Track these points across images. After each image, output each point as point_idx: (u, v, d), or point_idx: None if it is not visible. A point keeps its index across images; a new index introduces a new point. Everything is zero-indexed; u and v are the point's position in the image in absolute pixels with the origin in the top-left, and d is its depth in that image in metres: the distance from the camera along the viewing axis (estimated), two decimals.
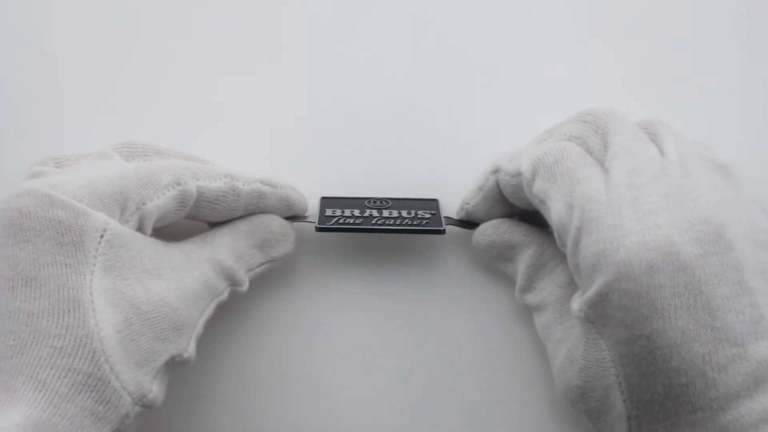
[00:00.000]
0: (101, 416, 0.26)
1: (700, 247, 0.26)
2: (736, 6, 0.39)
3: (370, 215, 0.35)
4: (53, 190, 0.27)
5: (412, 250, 0.37)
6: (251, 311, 0.36)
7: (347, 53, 0.39)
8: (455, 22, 0.39)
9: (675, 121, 0.32)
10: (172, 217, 0.31)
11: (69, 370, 0.25)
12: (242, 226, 0.34)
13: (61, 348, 0.25)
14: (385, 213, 0.35)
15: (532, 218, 0.35)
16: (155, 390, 0.28)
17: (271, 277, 0.35)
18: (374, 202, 0.36)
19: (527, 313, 0.35)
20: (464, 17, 0.39)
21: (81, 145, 0.34)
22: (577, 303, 0.28)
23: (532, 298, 0.33)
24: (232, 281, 0.33)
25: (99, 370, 0.26)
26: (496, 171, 0.33)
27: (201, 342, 0.31)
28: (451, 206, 0.36)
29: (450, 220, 0.36)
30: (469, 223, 0.36)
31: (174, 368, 0.30)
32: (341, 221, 0.35)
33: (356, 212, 0.35)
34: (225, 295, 0.33)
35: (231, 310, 0.34)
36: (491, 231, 0.35)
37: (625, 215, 0.27)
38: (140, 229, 0.30)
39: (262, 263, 0.34)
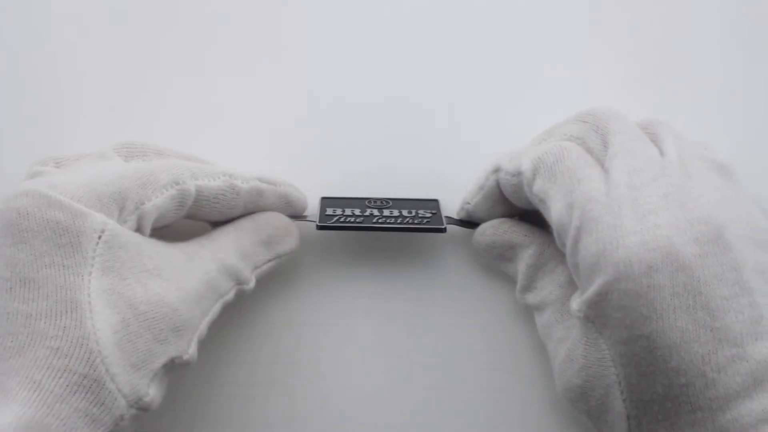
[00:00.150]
0: (95, 418, 0.26)
1: (699, 248, 0.26)
2: (736, 6, 0.39)
3: (371, 214, 0.35)
4: (51, 190, 0.27)
5: (412, 250, 0.37)
6: (251, 312, 0.36)
7: (347, 53, 0.39)
8: (455, 22, 0.39)
9: (675, 121, 0.32)
10: (172, 217, 0.31)
11: (64, 370, 0.25)
12: (246, 223, 0.33)
13: (58, 349, 0.25)
14: (386, 212, 0.35)
15: (532, 218, 0.35)
16: (152, 393, 0.28)
17: (271, 276, 0.35)
18: (374, 202, 0.36)
19: (527, 313, 0.35)
20: (464, 17, 0.39)
21: (81, 145, 0.34)
22: (576, 303, 0.28)
23: (532, 298, 0.33)
24: (238, 280, 0.32)
25: (94, 371, 0.26)
26: (497, 170, 0.33)
27: (201, 342, 0.31)
28: (451, 206, 0.36)
29: (450, 220, 0.36)
30: (469, 222, 0.36)
31: (174, 370, 0.30)
32: (342, 220, 0.35)
33: (357, 211, 0.35)
34: (231, 295, 0.32)
35: (231, 310, 0.34)
36: (491, 231, 0.35)
37: (624, 215, 0.27)
38: (139, 229, 0.30)
39: (269, 260, 0.34)
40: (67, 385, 0.25)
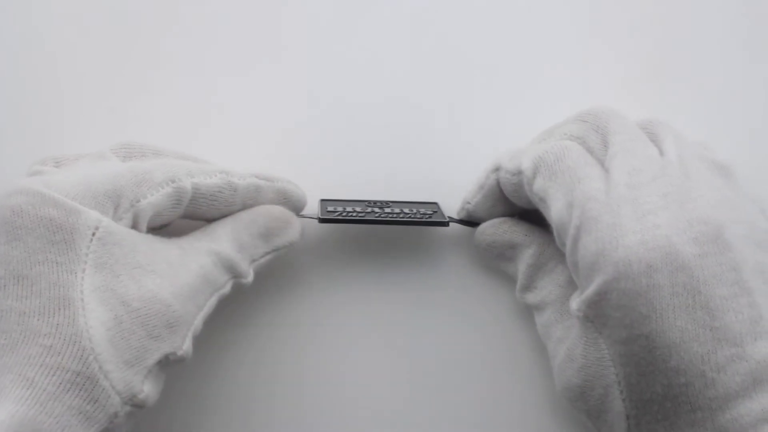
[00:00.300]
0: (89, 415, 0.26)
1: (698, 248, 0.26)
2: (736, 6, 0.39)
3: (372, 211, 0.35)
4: (46, 188, 0.27)
5: (412, 250, 0.37)
6: (249, 309, 0.36)
7: (347, 53, 0.39)
8: (455, 22, 0.39)
9: (675, 121, 0.32)
10: (168, 215, 0.31)
11: (57, 368, 0.25)
12: (244, 215, 0.33)
13: (51, 346, 0.25)
14: (387, 210, 0.35)
15: (532, 217, 0.35)
16: (146, 390, 0.28)
17: (270, 275, 0.35)
18: (375, 203, 0.36)
19: (527, 312, 0.35)
20: (464, 17, 0.39)
21: (81, 145, 0.34)
22: (576, 302, 0.28)
23: (532, 298, 0.33)
24: (234, 273, 0.32)
25: (87, 368, 0.26)
26: (497, 169, 0.33)
27: (199, 340, 0.31)
28: (451, 207, 0.36)
29: (451, 220, 0.36)
30: (470, 222, 0.36)
31: (169, 367, 0.30)
32: (344, 214, 0.34)
33: (358, 208, 0.35)
34: (227, 288, 0.32)
35: (229, 308, 0.34)
36: (492, 231, 0.35)
37: (624, 215, 0.27)
38: (135, 226, 0.30)
39: (267, 253, 0.34)
40: (60, 383, 0.25)
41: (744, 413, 0.25)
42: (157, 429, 0.35)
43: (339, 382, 0.36)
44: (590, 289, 0.27)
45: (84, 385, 0.26)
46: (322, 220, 0.34)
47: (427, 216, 0.35)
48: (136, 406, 0.27)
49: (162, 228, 0.32)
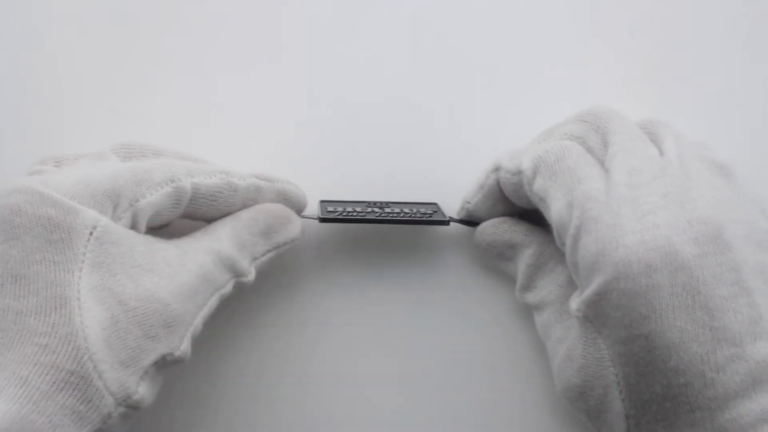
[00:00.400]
0: (82, 415, 0.25)
1: (698, 248, 0.26)
2: (736, 6, 0.39)
3: (372, 211, 0.35)
4: (44, 187, 0.27)
5: (412, 251, 0.37)
6: (249, 309, 0.36)
7: (347, 53, 0.39)
8: (455, 22, 0.39)
9: (675, 121, 0.32)
10: (168, 215, 0.31)
11: (52, 367, 0.25)
12: (244, 214, 0.33)
13: (46, 345, 0.25)
14: (387, 210, 0.35)
15: (532, 217, 0.35)
16: (142, 391, 0.27)
17: (270, 275, 0.35)
18: (375, 204, 0.36)
19: (527, 312, 0.35)
20: (464, 17, 0.39)
21: (81, 145, 0.34)
22: (575, 302, 0.28)
23: (532, 297, 0.33)
24: (235, 272, 0.32)
25: (82, 368, 0.26)
26: (497, 169, 0.33)
27: (200, 340, 0.31)
28: (451, 207, 0.36)
29: (451, 220, 0.36)
30: (470, 222, 0.36)
31: (167, 368, 0.29)
32: (344, 214, 0.34)
33: (358, 209, 0.35)
34: (228, 288, 0.32)
35: (230, 308, 0.34)
36: (492, 230, 0.35)
37: (624, 215, 0.27)
38: (134, 226, 0.30)
39: (268, 251, 0.33)
40: (54, 382, 0.25)
41: (743, 413, 0.25)
42: (157, 429, 0.35)
43: (339, 382, 0.36)
44: (590, 289, 0.27)
45: (78, 384, 0.25)
46: (323, 220, 0.34)
47: (428, 216, 0.35)
48: (131, 407, 0.27)
49: (162, 228, 0.32)
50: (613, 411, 0.28)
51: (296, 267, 0.36)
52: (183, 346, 0.29)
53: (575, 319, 0.29)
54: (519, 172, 0.32)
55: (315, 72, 0.39)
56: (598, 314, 0.27)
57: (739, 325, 0.25)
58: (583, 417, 0.30)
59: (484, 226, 0.35)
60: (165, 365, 0.29)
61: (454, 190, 0.36)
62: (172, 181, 0.30)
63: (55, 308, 0.26)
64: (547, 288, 0.33)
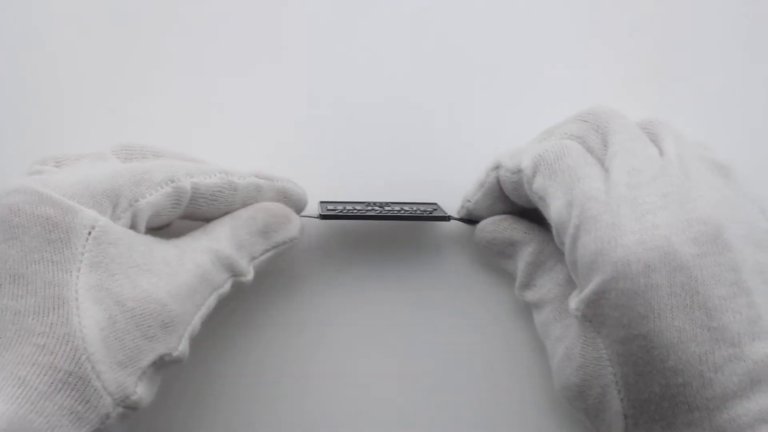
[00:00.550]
0: (80, 416, 0.26)
1: (697, 248, 0.26)
2: (736, 6, 0.39)
3: (373, 209, 0.35)
4: (43, 186, 0.27)
5: (412, 249, 0.37)
6: (248, 309, 0.36)
7: (347, 53, 0.39)
8: (455, 22, 0.39)
9: (675, 121, 0.32)
10: (168, 215, 0.31)
11: (49, 367, 0.25)
12: (242, 213, 0.33)
13: (44, 346, 0.25)
14: (387, 207, 0.35)
15: (531, 216, 0.35)
16: (140, 391, 0.27)
17: (269, 274, 0.35)
18: (375, 204, 0.36)
19: (527, 311, 0.35)
20: (464, 17, 0.39)
21: (81, 145, 0.34)
22: (574, 301, 0.28)
23: (531, 296, 0.33)
24: (233, 271, 0.32)
25: (80, 368, 0.26)
26: (497, 167, 0.33)
27: (198, 339, 0.31)
28: (451, 208, 0.36)
29: (452, 218, 0.36)
30: (470, 220, 0.36)
31: (165, 368, 0.29)
32: (344, 211, 0.34)
33: (358, 207, 0.35)
34: (226, 288, 0.32)
35: (229, 307, 0.34)
36: (492, 228, 0.35)
37: (623, 214, 0.27)
38: (133, 226, 0.30)
39: (267, 250, 0.33)
40: (52, 383, 0.25)
41: (741, 413, 0.25)
42: (155, 429, 0.35)
43: (339, 381, 0.36)
44: (589, 289, 0.27)
45: (76, 385, 0.25)
46: (323, 217, 0.34)
47: (428, 212, 0.35)
48: (129, 407, 0.27)
49: (162, 228, 0.32)
50: (611, 410, 0.28)
51: (296, 267, 0.36)
52: (181, 347, 0.29)
53: (574, 318, 0.29)
54: (519, 171, 0.32)
55: (315, 72, 0.39)
56: (597, 313, 0.27)
57: (737, 325, 0.25)
58: (582, 416, 0.30)
59: (484, 224, 0.35)
60: (163, 365, 0.29)
61: (454, 190, 0.36)
62: (172, 181, 0.30)
63: (53, 308, 0.26)
64: (546, 286, 0.33)
